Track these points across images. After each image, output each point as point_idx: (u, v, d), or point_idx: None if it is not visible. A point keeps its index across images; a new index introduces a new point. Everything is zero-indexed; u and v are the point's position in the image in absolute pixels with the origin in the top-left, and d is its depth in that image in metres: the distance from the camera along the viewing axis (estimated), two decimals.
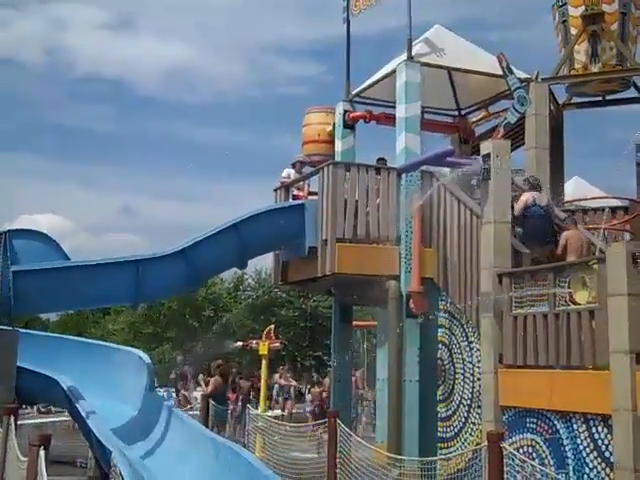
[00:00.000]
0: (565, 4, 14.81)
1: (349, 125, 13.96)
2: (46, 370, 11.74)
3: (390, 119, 13.02)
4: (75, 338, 15.91)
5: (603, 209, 13.23)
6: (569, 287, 8.47)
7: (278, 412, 22.11)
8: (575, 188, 17.47)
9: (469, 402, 10.55)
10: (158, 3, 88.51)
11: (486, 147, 9.95)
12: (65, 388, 11.42)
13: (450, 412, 10.97)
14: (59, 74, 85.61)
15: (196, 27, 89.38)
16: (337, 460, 10.12)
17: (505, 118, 11.66)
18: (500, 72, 11.58)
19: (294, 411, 23.77)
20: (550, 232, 10.33)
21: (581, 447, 8.01)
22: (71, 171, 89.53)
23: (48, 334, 17.15)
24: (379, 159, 13.03)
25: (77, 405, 11.09)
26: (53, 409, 22.35)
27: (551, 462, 8.37)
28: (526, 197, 10.40)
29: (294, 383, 26.67)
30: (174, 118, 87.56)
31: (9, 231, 11.33)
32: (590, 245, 10.06)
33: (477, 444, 9.23)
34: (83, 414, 10.80)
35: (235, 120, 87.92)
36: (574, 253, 9.75)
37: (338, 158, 13.49)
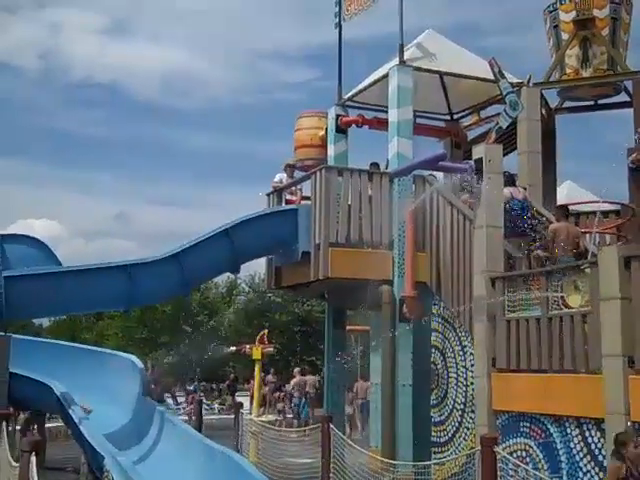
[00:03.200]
0: (556, 9, 14.83)
1: (341, 129, 13.96)
2: (39, 376, 11.69)
3: (382, 124, 13.03)
4: (68, 343, 15.87)
5: (595, 213, 13.25)
6: (562, 291, 8.49)
7: (271, 417, 21.98)
8: (568, 192, 17.51)
9: (462, 406, 10.54)
10: (154, 8, 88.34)
11: (478, 151, 9.96)
12: (58, 394, 11.38)
13: (444, 417, 10.96)
14: (55, 79, 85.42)
15: (192, 32, 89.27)
16: (331, 465, 10.09)
17: (497, 123, 11.69)
18: (492, 77, 11.62)
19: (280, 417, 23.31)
20: (528, 223, 10.41)
21: (574, 451, 8.01)
22: (66, 176, 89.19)
23: (41, 339, 17.09)
24: (372, 164, 13.03)
25: (70, 411, 11.05)
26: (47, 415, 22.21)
27: (545, 466, 8.36)
28: (504, 193, 10.42)
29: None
30: (169, 123, 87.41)
31: (2, 236, 11.33)
32: (578, 239, 10.06)
33: (471, 448, 9.24)
34: (76, 420, 10.77)
35: (230, 126, 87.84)
36: (560, 246, 9.76)
37: (331, 162, 13.48)
